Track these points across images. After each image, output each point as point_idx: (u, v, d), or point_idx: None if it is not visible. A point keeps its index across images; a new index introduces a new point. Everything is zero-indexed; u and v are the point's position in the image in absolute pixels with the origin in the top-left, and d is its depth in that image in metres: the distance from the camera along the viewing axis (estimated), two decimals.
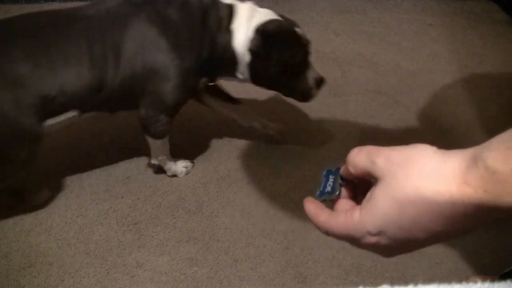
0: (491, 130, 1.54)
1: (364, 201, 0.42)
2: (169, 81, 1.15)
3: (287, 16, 1.22)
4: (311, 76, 1.23)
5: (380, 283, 0.47)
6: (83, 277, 1.11)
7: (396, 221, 0.39)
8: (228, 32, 1.18)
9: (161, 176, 1.36)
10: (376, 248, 0.43)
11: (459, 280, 0.40)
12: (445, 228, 0.38)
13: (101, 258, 1.15)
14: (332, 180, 0.49)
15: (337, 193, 0.48)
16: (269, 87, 1.25)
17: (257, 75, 1.21)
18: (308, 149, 1.46)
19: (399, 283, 0.44)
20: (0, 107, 1.01)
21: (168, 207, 1.28)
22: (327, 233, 0.45)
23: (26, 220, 1.22)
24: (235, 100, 1.42)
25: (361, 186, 0.48)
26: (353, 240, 0.43)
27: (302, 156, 1.45)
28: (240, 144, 1.47)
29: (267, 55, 1.17)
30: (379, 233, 0.41)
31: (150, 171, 1.38)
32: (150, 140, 1.27)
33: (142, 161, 1.40)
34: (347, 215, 0.43)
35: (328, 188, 0.48)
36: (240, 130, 1.51)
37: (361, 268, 1.15)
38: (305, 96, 1.25)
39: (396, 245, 0.41)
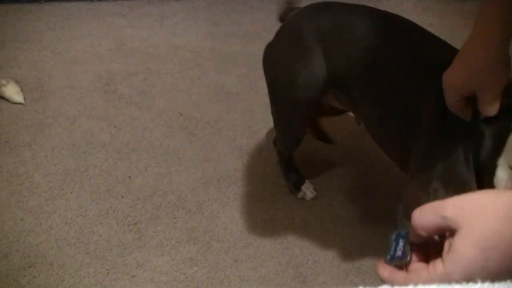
0: None
1: (445, 254, 0.43)
2: None
3: None
4: None
5: (380, 283, 0.47)
6: (83, 277, 1.11)
7: (483, 267, 0.40)
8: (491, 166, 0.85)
9: (161, 176, 1.36)
10: None
11: None
12: None
13: (101, 258, 1.15)
14: (402, 244, 0.49)
15: (408, 258, 0.48)
16: None
17: None
18: (309, 149, 1.46)
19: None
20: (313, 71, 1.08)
21: (168, 207, 1.28)
22: None
23: (26, 220, 1.22)
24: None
25: (432, 246, 0.48)
26: None
27: (303, 156, 1.44)
28: (240, 144, 1.47)
29: None
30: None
31: (150, 171, 1.38)
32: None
33: (142, 161, 1.40)
34: (429, 270, 0.44)
35: (399, 253, 0.48)
36: (240, 130, 1.51)
37: (361, 268, 1.15)
38: None
39: None
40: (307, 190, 1.32)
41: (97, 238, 1.20)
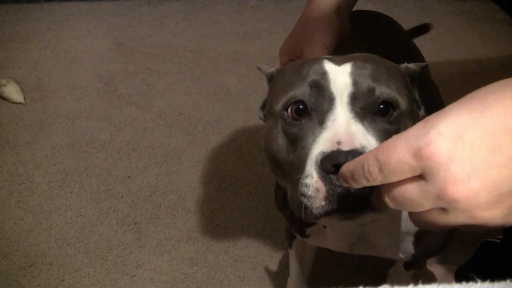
0: None
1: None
2: None
3: None
4: None
5: (380, 283, 0.47)
6: (83, 277, 1.11)
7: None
8: None
9: (161, 176, 1.36)
10: None
11: (459, 280, 0.40)
12: None
13: (101, 258, 1.15)
14: None
15: None
16: None
17: None
18: None
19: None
20: None
21: (168, 207, 1.28)
22: None
23: (26, 220, 1.22)
24: None
25: None
26: None
27: None
28: (240, 144, 1.47)
29: None
30: None
31: (150, 171, 1.38)
32: None
33: (142, 161, 1.40)
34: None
35: None
36: (240, 130, 1.51)
37: (361, 268, 1.15)
38: None
39: None
40: None
41: (97, 238, 1.20)
